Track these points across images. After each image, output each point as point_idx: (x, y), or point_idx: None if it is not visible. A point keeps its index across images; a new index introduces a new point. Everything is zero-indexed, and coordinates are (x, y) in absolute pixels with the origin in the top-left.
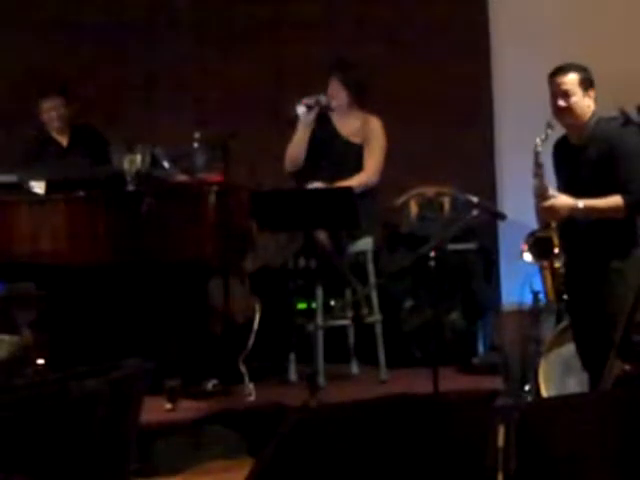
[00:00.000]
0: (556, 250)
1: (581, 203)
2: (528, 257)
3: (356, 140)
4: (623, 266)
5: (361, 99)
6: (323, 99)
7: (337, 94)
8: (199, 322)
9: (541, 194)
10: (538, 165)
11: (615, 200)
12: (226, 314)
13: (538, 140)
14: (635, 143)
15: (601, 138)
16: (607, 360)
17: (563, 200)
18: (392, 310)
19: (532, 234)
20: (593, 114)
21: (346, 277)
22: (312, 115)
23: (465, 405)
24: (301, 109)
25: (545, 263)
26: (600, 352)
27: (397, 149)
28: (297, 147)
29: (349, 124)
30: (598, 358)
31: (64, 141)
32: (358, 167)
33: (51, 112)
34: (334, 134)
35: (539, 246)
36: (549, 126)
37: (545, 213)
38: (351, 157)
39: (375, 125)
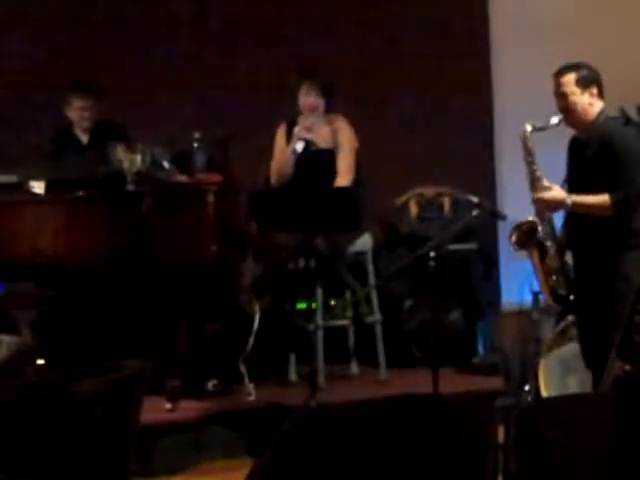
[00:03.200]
0: (549, 243)
1: (570, 199)
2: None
3: (327, 146)
4: (629, 267)
5: (330, 104)
6: (310, 120)
7: (316, 106)
8: (199, 322)
9: (532, 183)
10: (527, 152)
11: (603, 198)
12: (226, 314)
13: (528, 126)
14: (632, 144)
15: (602, 137)
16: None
17: (554, 193)
18: (392, 310)
19: (518, 225)
20: (600, 112)
21: (345, 280)
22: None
23: (465, 405)
24: (300, 145)
25: (535, 258)
26: (604, 352)
27: (397, 149)
28: (285, 167)
29: (318, 131)
30: (602, 358)
31: (84, 138)
32: (334, 173)
33: (83, 112)
34: (308, 146)
35: (524, 235)
36: (557, 121)
37: (535, 203)
38: (325, 164)
39: (341, 125)
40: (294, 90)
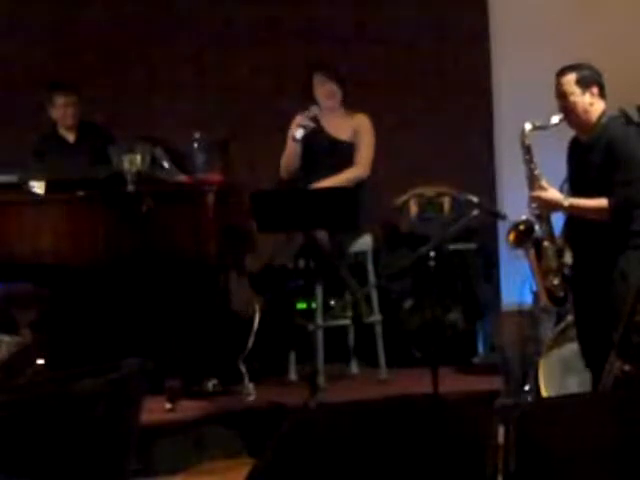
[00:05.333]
0: (546, 244)
1: (567, 202)
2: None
3: (345, 138)
4: (627, 266)
5: (346, 92)
6: (315, 110)
7: (334, 91)
8: (199, 322)
9: (531, 182)
10: (525, 150)
11: (600, 202)
12: (226, 314)
13: (527, 125)
14: (633, 145)
15: (605, 139)
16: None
17: (550, 194)
18: (392, 310)
19: (515, 224)
20: (602, 113)
21: (345, 280)
22: (307, 130)
23: (465, 405)
24: (300, 132)
25: (532, 257)
26: (603, 352)
27: (397, 149)
28: (292, 159)
29: (336, 123)
30: (601, 358)
31: (71, 138)
32: (350, 165)
33: (67, 108)
34: (325, 136)
35: (520, 234)
36: (557, 120)
37: (531, 201)
38: (342, 156)
39: (364, 122)
40: (307, 85)
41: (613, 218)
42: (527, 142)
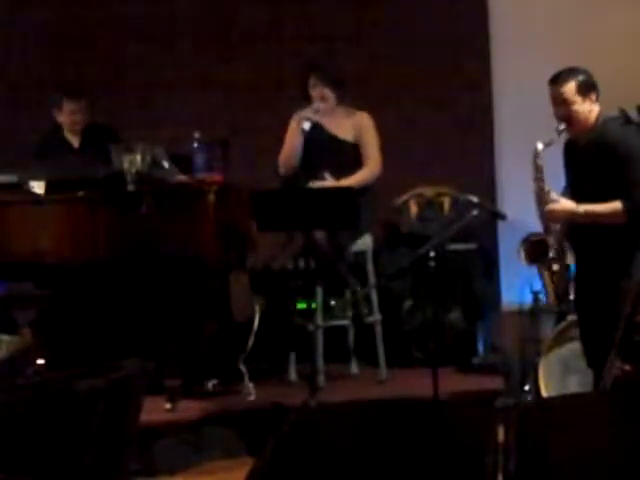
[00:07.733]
0: (551, 254)
1: (581, 208)
2: (522, 259)
3: (348, 138)
4: (631, 268)
5: (343, 94)
6: (317, 106)
7: (326, 95)
8: (199, 322)
9: (542, 198)
10: (537, 169)
11: (615, 205)
12: (226, 314)
13: (539, 145)
14: (633, 144)
15: (605, 140)
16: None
17: (564, 204)
18: (392, 310)
19: (527, 239)
20: (599, 116)
21: (346, 279)
22: (313, 122)
23: (465, 405)
24: (307, 124)
25: (542, 266)
26: (606, 351)
27: (397, 149)
28: (293, 153)
29: (338, 122)
30: (604, 357)
31: (75, 143)
32: (354, 164)
33: (76, 115)
34: (325, 134)
35: (534, 249)
36: (558, 132)
37: (546, 216)
38: (346, 155)
39: (366, 121)
40: (305, 85)
41: (629, 220)
42: (539, 162)
